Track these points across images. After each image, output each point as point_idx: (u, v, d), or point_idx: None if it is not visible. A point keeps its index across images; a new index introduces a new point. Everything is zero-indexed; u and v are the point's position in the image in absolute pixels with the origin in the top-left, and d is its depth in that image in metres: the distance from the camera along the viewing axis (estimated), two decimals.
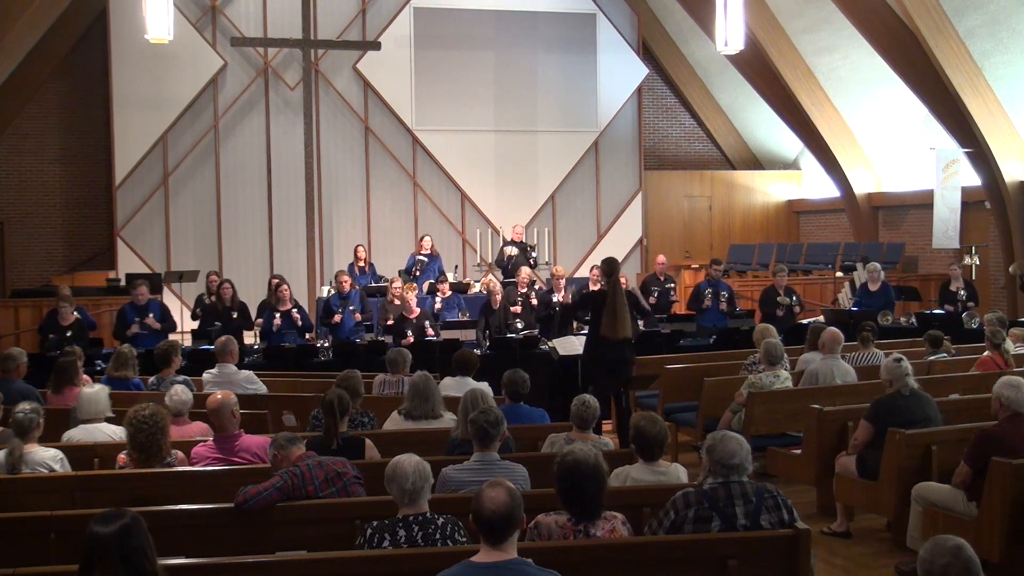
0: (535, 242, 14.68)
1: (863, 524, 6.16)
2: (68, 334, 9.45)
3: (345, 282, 10.71)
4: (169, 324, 10.16)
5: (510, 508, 3.11)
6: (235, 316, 10.35)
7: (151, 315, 9.93)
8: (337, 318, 10.38)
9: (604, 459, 3.75)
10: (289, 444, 4.44)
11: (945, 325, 9.65)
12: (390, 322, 10.15)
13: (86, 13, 15.11)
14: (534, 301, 10.64)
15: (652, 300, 11.17)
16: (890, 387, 5.88)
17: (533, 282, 11.65)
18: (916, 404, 5.81)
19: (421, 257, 12.91)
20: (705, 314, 11.06)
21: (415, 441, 5.32)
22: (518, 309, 10.47)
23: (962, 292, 11.08)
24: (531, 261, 13.12)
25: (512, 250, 13.05)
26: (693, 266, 15.39)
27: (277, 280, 10.79)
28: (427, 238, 13.27)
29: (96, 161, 15.87)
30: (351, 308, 10.46)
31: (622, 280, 8.22)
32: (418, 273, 12.69)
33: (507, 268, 12.93)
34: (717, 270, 11.55)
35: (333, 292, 11.36)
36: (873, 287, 11.14)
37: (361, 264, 12.81)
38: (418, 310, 10.08)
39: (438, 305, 10.98)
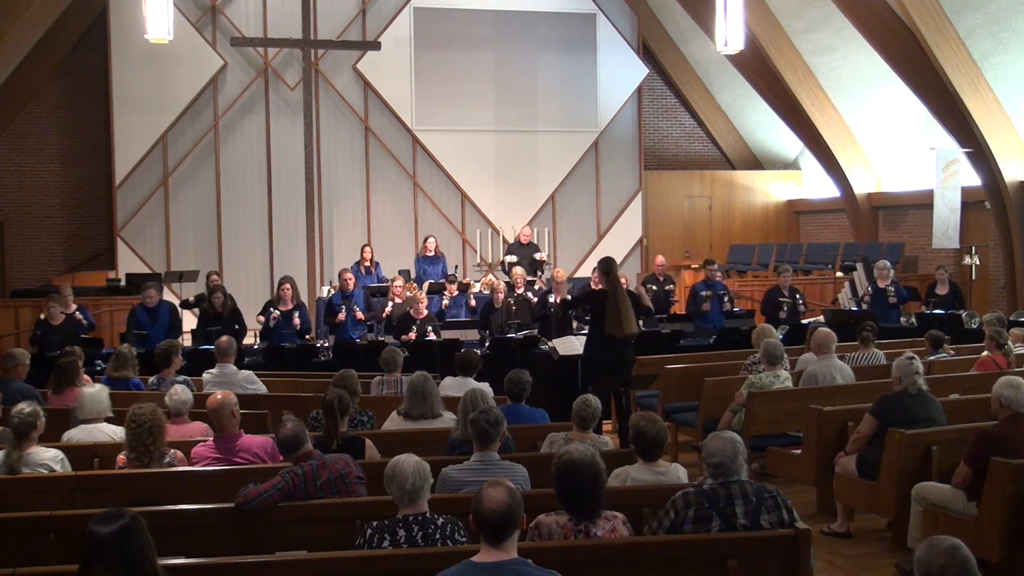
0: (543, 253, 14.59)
1: (863, 524, 6.16)
2: (60, 335, 9.43)
3: (348, 280, 10.67)
4: (176, 332, 10.05)
5: (510, 508, 3.11)
6: (225, 317, 10.27)
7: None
8: (341, 316, 10.36)
9: (602, 458, 3.74)
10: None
11: (945, 325, 9.63)
12: (388, 310, 10.12)
13: (86, 13, 15.11)
14: (533, 299, 10.64)
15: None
16: (899, 384, 5.88)
17: (532, 282, 11.64)
18: (921, 404, 5.82)
19: (427, 257, 12.88)
20: (706, 315, 10.98)
21: (415, 441, 5.32)
22: (517, 295, 10.52)
23: (949, 296, 11.01)
24: (541, 269, 13.03)
25: (512, 258, 13.00)
26: (693, 266, 15.32)
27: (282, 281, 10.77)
28: (431, 239, 13.24)
29: (96, 161, 15.87)
30: (354, 308, 10.45)
31: (622, 279, 8.23)
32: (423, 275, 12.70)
33: (507, 271, 12.93)
34: (712, 270, 11.42)
35: (335, 291, 11.35)
36: (882, 284, 11.05)
37: (367, 264, 12.78)
38: (426, 312, 10.09)
39: (445, 302, 10.97)
